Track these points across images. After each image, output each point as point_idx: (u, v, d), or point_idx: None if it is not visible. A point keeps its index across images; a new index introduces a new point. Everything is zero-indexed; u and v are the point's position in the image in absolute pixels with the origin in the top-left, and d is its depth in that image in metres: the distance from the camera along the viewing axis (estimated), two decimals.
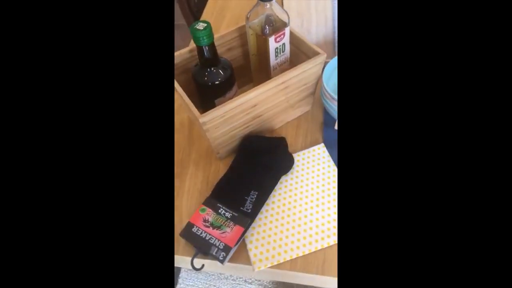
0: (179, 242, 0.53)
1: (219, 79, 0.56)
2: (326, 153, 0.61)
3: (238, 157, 0.60)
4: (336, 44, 0.74)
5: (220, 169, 0.62)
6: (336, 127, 0.51)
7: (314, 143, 0.63)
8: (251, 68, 0.66)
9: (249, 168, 0.57)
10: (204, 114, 0.50)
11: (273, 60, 0.59)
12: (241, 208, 0.53)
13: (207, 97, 0.57)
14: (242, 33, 0.65)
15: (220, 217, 0.52)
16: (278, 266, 0.50)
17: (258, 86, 0.53)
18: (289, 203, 0.55)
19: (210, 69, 0.55)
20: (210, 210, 0.53)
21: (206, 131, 0.53)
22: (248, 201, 0.53)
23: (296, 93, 0.60)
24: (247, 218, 0.52)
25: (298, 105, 0.65)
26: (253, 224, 0.53)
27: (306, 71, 0.56)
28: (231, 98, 0.60)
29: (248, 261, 0.51)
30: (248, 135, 0.61)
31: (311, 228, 0.52)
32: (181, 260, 0.53)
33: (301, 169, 0.59)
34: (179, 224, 0.55)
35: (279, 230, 0.52)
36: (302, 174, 0.59)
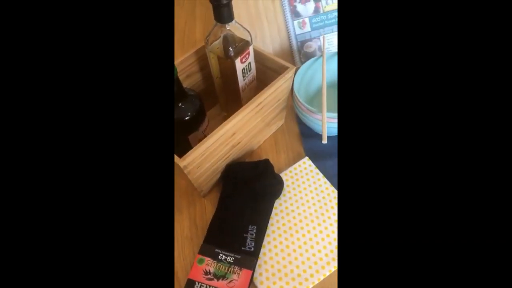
0: None
1: (189, 113, 0.50)
2: (313, 166, 0.59)
3: (224, 192, 0.55)
4: (295, 52, 0.72)
5: (206, 208, 0.56)
6: (324, 141, 0.49)
7: (297, 157, 0.61)
8: (216, 91, 0.62)
9: (240, 202, 0.53)
10: (183, 157, 0.44)
11: (241, 81, 0.55)
12: (243, 248, 0.48)
13: (180, 134, 0.51)
14: (199, 56, 0.59)
15: (222, 264, 0.47)
16: None
17: (234, 115, 0.49)
18: (290, 228, 0.52)
19: (178, 104, 0.49)
20: (209, 259, 0.48)
21: (187, 174, 0.47)
22: (249, 239, 0.49)
23: (271, 111, 0.57)
24: (252, 258, 0.48)
25: (273, 122, 0.62)
26: (258, 261, 0.49)
27: (279, 87, 0.54)
28: (204, 130, 0.55)
29: None
30: (230, 165, 0.56)
31: (314, 255, 0.49)
32: None
33: (292, 189, 0.57)
34: (176, 284, 0.48)
35: (288, 261, 0.49)
36: (295, 194, 0.56)
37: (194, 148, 0.45)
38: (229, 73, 0.54)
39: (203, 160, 0.48)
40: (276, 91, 0.54)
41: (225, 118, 0.58)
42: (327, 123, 0.54)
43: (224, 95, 0.61)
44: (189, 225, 0.54)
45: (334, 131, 0.58)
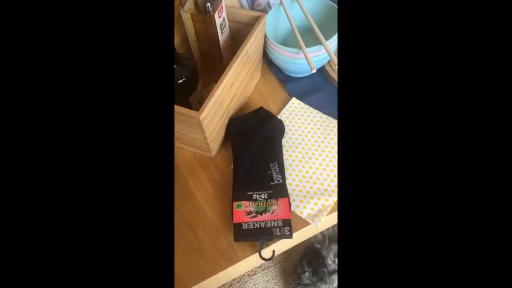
0: (235, 250, 0.49)
1: (188, 74, 0.51)
2: (302, 104, 0.65)
3: (236, 146, 0.57)
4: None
5: (221, 166, 0.58)
6: (313, 70, 0.54)
7: (284, 100, 0.66)
8: (195, 57, 0.62)
9: (254, 147, 0.56)
10: (200, 110, 0.46)
11: (221, 38, 0.57)
12: (272, 183, 0.52)
13: (181, 97, 0.51)
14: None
15: (259, 202, 0.50)
16: (332, 210, 0.52)
17: (230, 65, 0.51)
18: (303, 157, 0.57)
19: (175, 68, 0.49)
20: (246, 202, 0.50)
21: (204, 128, 0.48)
22: (274, 174, 0.53)
23: (253, 61, 0.61)
24: (283, 187, 0.52)
25: (254, 74, 0.65)
26: (288, 190, 0.53)
27: (257, 36, 0.57)
28: (200, 91, 0.56)
29: (303, 223, 0.51)
30: (232, 122, 0.59)
31: (331, 171, 0.56)
32: (246, 264, 0.50)
33: (292, 126, 0.62)
34: (222, 238, 0.50)
35: (312, 183, 0.54)
36: (296, 130, 0.61)
37: (207, 100, 0.46)
38: (209, 30, 0.55)
39: (214, 113, 0.50)
40: (256, 39, 0.57)
41: (206, 85, 0.60)
42: (303, 58, 0.59)
43: (203, 59, 0.62)
44: (211, 185, 0.56)
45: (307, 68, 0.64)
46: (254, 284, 1.11)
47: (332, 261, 1.02)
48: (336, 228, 1.08)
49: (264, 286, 1.11)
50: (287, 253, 1.15)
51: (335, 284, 0.99)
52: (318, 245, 1.04)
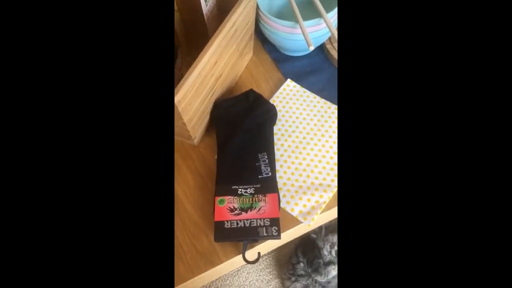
0: (216, 250, 0.44)
1: None
2: (298, 86, 0.58)
3: (222, 131, 0.51)
4: None
5: (204, 155, 0.52)
6: (311, 47, 0.47)
7: (278, 83, 0.59)
8: (176, 30, 0.55)
9: (242, 135, 0.49)
10: (175, 91, 0.39)
11: (205, 8, 0.49)
12: (259, 176, 0.46)
13: None
14: None
15: (244, 197, 0.44)
16: (327, 207, 0.46)
17: (212, 38, 0.44)
18: (296, 147, 0.51)
19: None
20: (229, 197, 0.45)
21: (181, 113, 0.42)
22: (263, 166, 0.47)
23: (242, 36, 0.53)
24: (272, 181, 0.46)
25: (245, 52, 0.58)
26: (278, 185, 0.47)
27: (247, 6, 0.49)
28: (180, 68, 0.49)
29: (294, 221, 0.46)
30: (217, 105, 0.52)
31: (328, 163, 0.50)
32: (230, 265, 0.44)
33: (286, 112, 0.55)
34: (202, 236, 0.45)
35: (306, 176, 0.48)
36: (290, 116, 0.54)
37: (183, 79, 0.40)
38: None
39: (193, 95, 0.43)
40: (245, 9, 0.49)
41: (189, 63, 0.53)
42: (301, 33, 0.52)
43: (186, 32, 0.55)
44: (192, 176, 0.50)
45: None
46: (247, 273, 1.08)
47: (328, 252, 0.98)
48: (333, 219, 1.04)
49: (257, 275, 1.08)
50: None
51: (330, 275, 0.96)
52: (314, 235, 1.00)
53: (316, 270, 0.98)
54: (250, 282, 1.08)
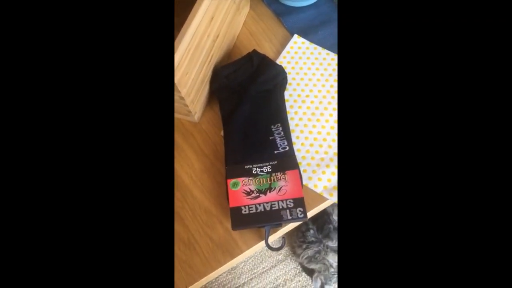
0: (235, 239, 0.39)
1: None
2: (307, 42, 0.49)
3: (226, 103, 0.44)
4: None
5: (207, 133, 0.45)
6: None
7: (283, 40, 0.51)
8: None
9: (250, 106, 0.42)
10: None
11: None
12: (275, 151, 0.40)
13: None
14: None
15: (261, 178, 0.39)
16: None
17: None
18: (313, 114, 0.44)
19: None
20: (244, 178, 0.39)
21: (178, 85, 0.34)
22: (278, 139, 0.41)
23: None
24: (291, 156, 0.40)
25: (242, 6, 0.49)
26: (298, 159, 0.41)
27: None
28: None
29: (319, 199, 0.40)
30: (217, 73, 0.44)
31: None
32: (250, 253, 0.40)
33: (296, 74, 0.47)
34: (218, 224, 0.39)
35: (327, 146, 0.42)
36: (302, 78, 0.47)
37: (176, 41, 0.31)
38: None
39: (189, 61, 0.35)
40: None
41: (178, 25, 0.44)
42: None
43: None
44: (197, 158, 0.43)
45: None
46: None
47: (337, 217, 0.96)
48: None
49: None
50: None
51: (337, 241, 0.95)
52: None
53: (327, 236, 0.97)
54: (260, 251, 1.07)
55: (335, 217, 0.97)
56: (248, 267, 0.99)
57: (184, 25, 0.32)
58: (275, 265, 1.02)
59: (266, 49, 0.50)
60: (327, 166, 0.41)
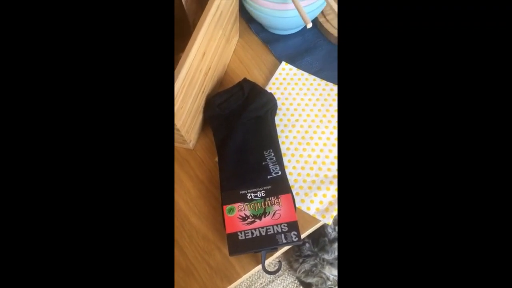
0: (232, 264, 0.40)
1: None
2: (294, 69, 0.52)
3: (219, 131, 0.45)
4: None
5: (203, 160, 0.47)
6: (309, 25, 0.42)
7: (271, 67, 0.53)
8: None
9: (242, 133, 0.44)
10: None
11: None
12: (269, 176, 0.42)
13: None
14: None
15: (255, 202, 0.40)
16: None
17: (198, 26, 0.37)
18: (303, 138, 0.47)
19: None
20: (239, 204, 0.40)
21: (175, 115, 0.36)
22: (271, 164, 0.42)
23: (227, 20, 0.47)
24: (284, 180, 0.41)
25: (232, 36, 0.51)
26: (290, 182, 0.43)
27: None
28: None
29: (312, 221, 0.42)
30: (210, 102, 0.46)
31: (335, 157, 0.46)
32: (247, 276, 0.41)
33: (285, 99, 0.50)
34: (215, 250, 0.41)
35: (317, 169, 0.44)
36: (291, 103, 0.49)
37: (175, 73, 0.33)
38: None
39: (184, 96, 0.37)
40: None
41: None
42: (292, 9, 0.46)
43: None
44: (193, 184, 0.45)
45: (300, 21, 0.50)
46: None
47: (332, 229, 0.97)
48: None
49: None
50: None
51: (337, 252, 0.96)
52: None
53: (323, 249, 0.98)
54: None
55: (329, 229, 0.98)
56: (245, 284, 0.99)
57: (178, 65, 0.34)
58: (273, 281, 1.02)
59: (256, 76, 0.53)
60: (319, 188, 0.43)
